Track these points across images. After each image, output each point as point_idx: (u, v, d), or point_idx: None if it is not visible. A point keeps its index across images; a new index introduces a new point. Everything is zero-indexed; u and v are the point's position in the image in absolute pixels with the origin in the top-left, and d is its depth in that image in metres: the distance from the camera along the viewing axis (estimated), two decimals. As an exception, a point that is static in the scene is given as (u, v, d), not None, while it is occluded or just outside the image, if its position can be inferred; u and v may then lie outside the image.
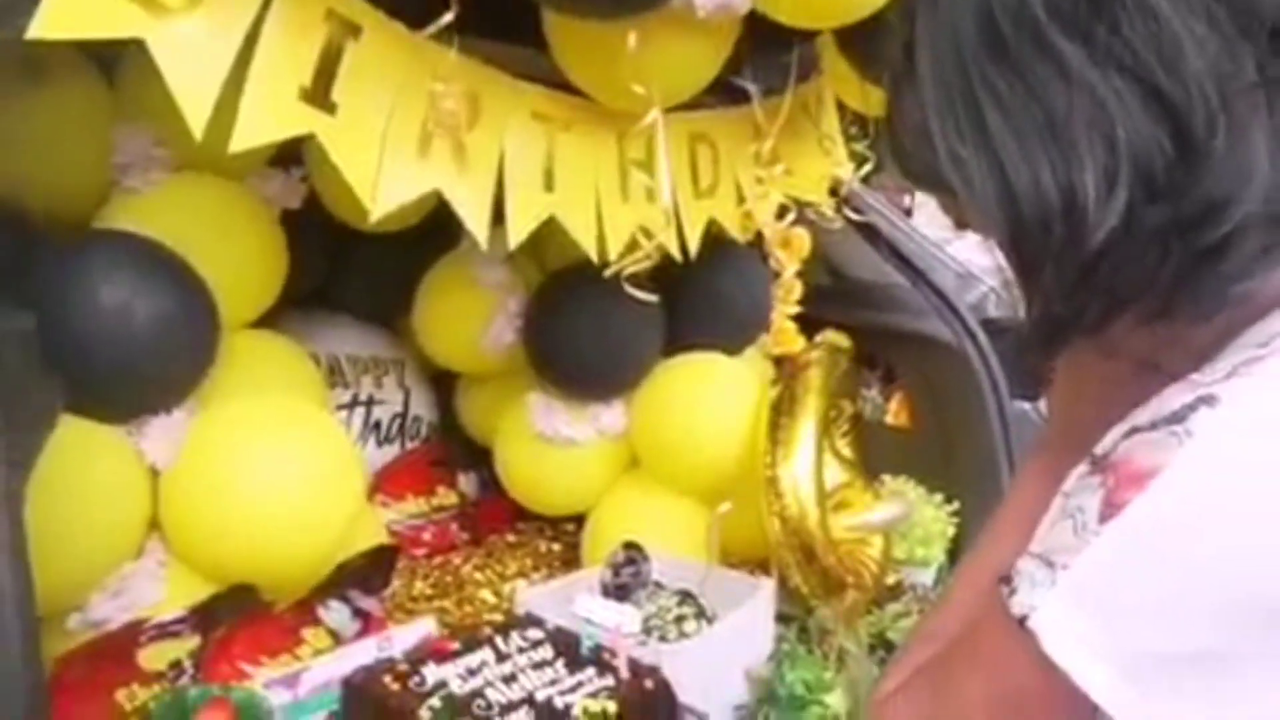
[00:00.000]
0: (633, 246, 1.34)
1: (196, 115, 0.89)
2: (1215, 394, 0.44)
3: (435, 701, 0.98)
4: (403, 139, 1.08)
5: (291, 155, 1.52)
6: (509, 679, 1.06)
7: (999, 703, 0.50)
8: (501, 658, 1.10)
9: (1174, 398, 0.47)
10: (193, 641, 1.16)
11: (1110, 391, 0.59)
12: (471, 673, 1.06)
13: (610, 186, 1.31)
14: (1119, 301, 0.48)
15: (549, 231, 1.27)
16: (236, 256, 1.36)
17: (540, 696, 1.03)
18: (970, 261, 1.87)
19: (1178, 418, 0.45)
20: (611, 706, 1.00)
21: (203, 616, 1.18)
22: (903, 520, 1.60)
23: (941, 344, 1.76)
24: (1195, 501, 0.42)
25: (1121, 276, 0.47)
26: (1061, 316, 0.50)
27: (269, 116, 0.95)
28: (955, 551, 1.73)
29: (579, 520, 1.87)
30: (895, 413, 1.93)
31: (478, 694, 1.02)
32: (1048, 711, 0.47)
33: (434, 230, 1.72)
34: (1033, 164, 0.46)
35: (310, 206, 1.57)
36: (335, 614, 1.30)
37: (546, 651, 1.13)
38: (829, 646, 1.37)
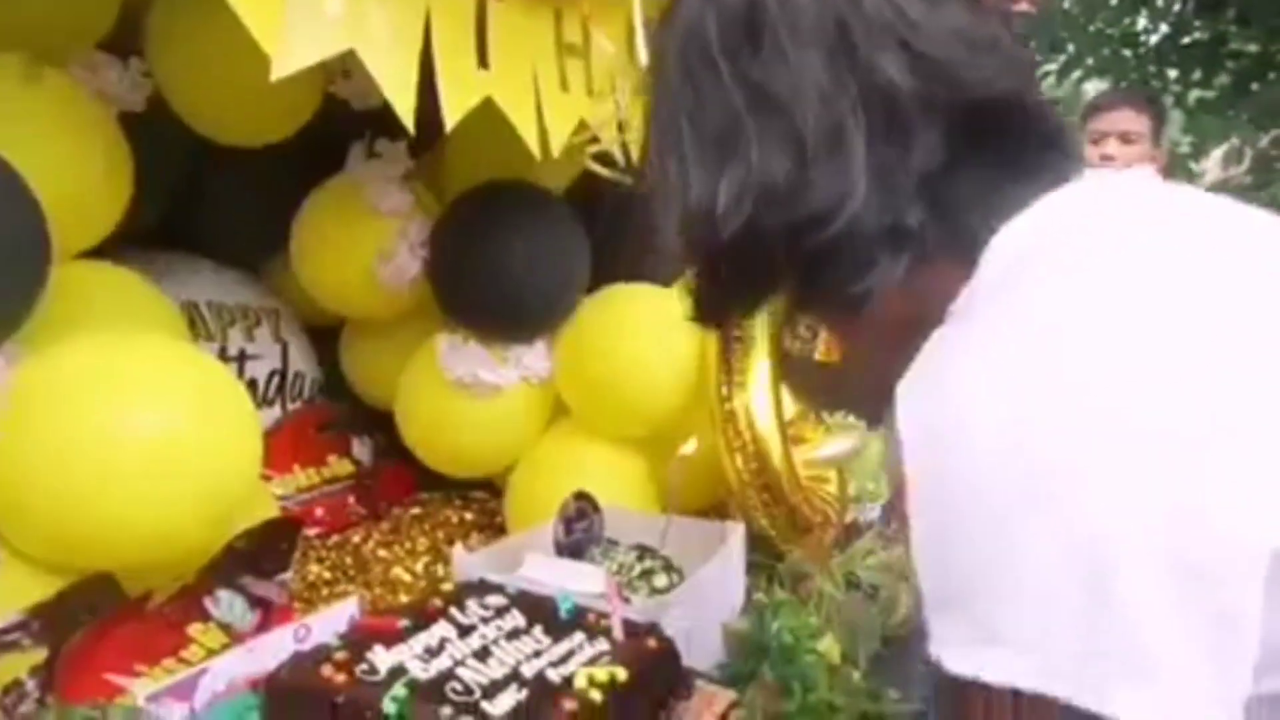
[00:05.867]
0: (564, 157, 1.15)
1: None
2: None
3: (398, 690, 0.76)
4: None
5: (126, 43, 1.22)
6: (481, 654, 0.85)
7: None
8: (464, 631, 0.89)
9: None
10: (37, 654, 0.88)
11: None
12: (432, 652, 0.84)
13: (549, 71, 1.11)
14: (753, 289, 0.59)
15: (455, 144, 1.05)
16: (64, 162, 1.06)
17: (528, 671, 0.83)
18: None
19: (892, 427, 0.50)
20: (621, 673, 0.81)
21: (48, 619, 0.90)
22: (857, 452, 1.49)
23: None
24: (932, 497, 0.46)
25: (746, 269, 0.56)
26: (711, 295, 0.61)
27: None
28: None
29: (488, 486, 1.67)
30: (824, 351, 1.83)
31: (448, 676, 0.80)
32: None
33: (307, 151, 1.45)
34: (704, 171, 0.54)
35: (154, 113, 1.27)
36: (227, 605, 1.04)
37: (517, 619, 0.93)
38: (806, 591, 1.24)
